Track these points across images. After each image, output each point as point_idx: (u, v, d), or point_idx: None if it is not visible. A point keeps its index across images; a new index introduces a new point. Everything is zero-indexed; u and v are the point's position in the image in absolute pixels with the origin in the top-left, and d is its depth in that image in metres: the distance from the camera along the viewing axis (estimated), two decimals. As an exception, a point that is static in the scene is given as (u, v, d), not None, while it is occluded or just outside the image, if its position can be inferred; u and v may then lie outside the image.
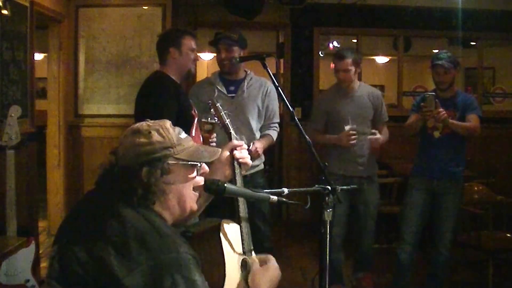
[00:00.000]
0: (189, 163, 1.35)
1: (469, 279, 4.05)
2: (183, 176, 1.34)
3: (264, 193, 1.56)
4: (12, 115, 3.19)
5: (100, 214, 1.24)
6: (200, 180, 1.41)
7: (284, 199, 1.58)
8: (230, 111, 3.08)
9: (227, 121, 1.80)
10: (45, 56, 5.67)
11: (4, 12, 3.58)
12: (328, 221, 1.75)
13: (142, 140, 1.30)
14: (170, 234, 1.23)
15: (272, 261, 1.49)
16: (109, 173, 1.30)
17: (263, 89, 3.28)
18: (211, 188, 1.45)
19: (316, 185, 1.78)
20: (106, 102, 5.12)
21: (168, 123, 1.37)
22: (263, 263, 1.47)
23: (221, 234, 1.51)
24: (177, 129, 1.39)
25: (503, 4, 5.81)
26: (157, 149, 1.29)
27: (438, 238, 3.42)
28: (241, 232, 1.60)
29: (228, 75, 3.30)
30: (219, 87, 3.25)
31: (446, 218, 3.36)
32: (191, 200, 1.38)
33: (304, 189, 1.89)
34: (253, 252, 1.62)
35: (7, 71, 3.67)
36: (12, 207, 3.09)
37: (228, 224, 1.58)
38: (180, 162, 1.33)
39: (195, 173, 1.38)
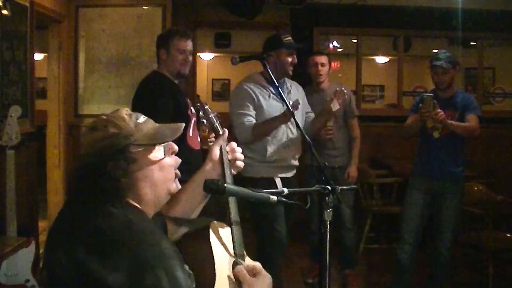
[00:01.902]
0: (152, 146, 1.31)
1: (469, 279, 4.06)
2: (150, 160, 1.30)
3: (264, 193, 1.55)
4: (12, 115, 3.19)
5: (77, 217, 1.22)
6: (171, 161, 1.36)
7: (284, 199, 1.57)
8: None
9: (217, 123, 1.79)
10: (45, 56, 5.66)
11: (4, 12, 3.58)
12: (328, 221, 1.75)
13: (99, 135, 1.26)
14: (149, 229, 1.21)
15: (263, 270, 1.44)
16: (76, 178, 1.27)
17: (299, 88, 3.48)
18: (211, 188, 1.43)
19: (316, 185, 1.78)
20: (106, 102, 5.11)
21: (123, 112, 1.33)
22: (252, 273, 1.42)
23: (210, 234, 1.50)
24: (135, 114, 1.35)
25: (503, 4, 5.80)
26: (116, 141, 1.25)
27: (438, 238, 3.41)
28: (232, 236, 1.59)
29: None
30: (272, 90, 3.25)
31: (446, 218, 3.36)
32: (166, 182, 1.34)
33: (304, 189, 1.89)
34: (246, 258, 1.60)
35: (7, 71, 3.67)
36: (12, 207, 3.09)
37: (219, 225, 1.57)
38: (143, 148, 1.29)
39: (161, 154, 1.33)
